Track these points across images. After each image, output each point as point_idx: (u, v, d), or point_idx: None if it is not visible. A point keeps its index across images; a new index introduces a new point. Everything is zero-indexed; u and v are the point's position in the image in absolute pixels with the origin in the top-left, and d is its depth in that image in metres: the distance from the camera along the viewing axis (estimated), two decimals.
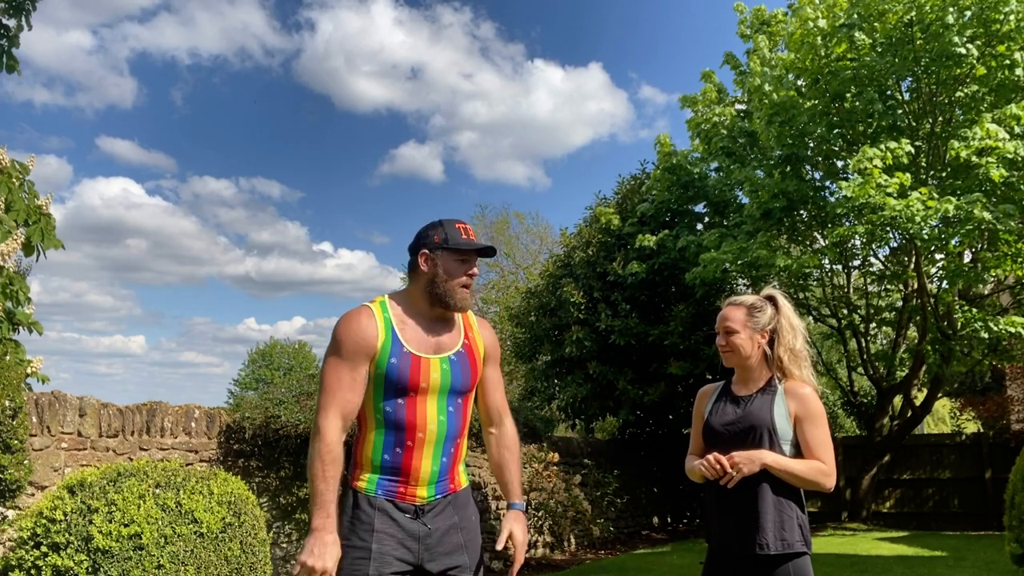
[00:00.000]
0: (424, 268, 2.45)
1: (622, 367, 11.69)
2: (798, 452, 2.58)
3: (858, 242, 11.67)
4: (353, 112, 48.95)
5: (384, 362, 2.37)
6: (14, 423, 4.46)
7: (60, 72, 50.09)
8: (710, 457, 2.56)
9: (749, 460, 2.50)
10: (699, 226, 12.27)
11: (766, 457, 2.51)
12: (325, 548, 2.25)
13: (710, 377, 11.59)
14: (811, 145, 10.84)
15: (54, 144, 47.59)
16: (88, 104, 49.89)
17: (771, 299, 2.71)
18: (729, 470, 2.50)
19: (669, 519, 12.97)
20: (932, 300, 10.72)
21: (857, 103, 9.64)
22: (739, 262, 9.98)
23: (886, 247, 11.94)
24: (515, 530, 2.51)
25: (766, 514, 2.50)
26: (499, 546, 2.47)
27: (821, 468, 2.54)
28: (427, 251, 2.45)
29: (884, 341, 15.21)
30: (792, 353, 2.63)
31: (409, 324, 2.43)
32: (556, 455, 8.90)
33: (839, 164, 10.98)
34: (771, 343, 2.66)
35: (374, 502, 2.38)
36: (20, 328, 5.50)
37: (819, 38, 9.71)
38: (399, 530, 2.38)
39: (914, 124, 10.03)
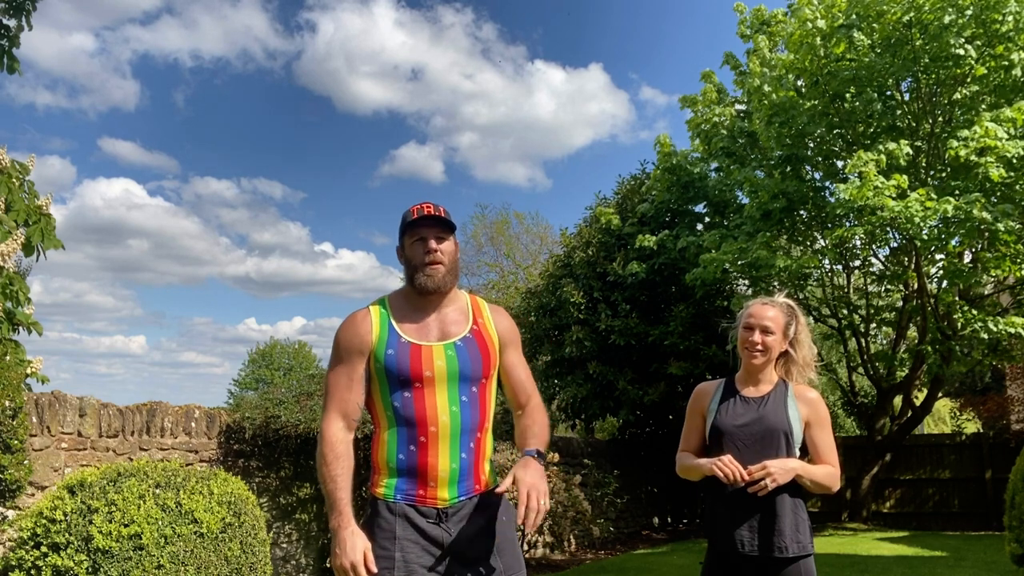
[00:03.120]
0: (401, 261, 2.48)
1: (622, 367, 11.70)
2: (803, 454, 2.62)
3: (858, 242, 11.67)
4: (354, 113, 48.97)
5: (382, 354, 2.35)
6: (14, 423, 4.46)
7: (63, 74, 50.09)
8: (737, 468, 2.49)
9: (783, 470, 2.48)
10: (699, 226, 12.27)
11: (795, 465, 2.52)
12: (346, 544, 2.21)
13: (710, 377, 11.58)
14: (811, 145, 10.85)
15: (57, 145, 47.58)
16: (91, 106, 49.83)
17: (791, 307, 2.74)
18: (764, 480, 2.46)
19: (669, 519, 12.97)
20: (932, 300, 10.72)
21: (856, 103, 9.64)
22: (739, 263, 9.98)
23: (886, 247, 11.95)
24: (519, 474, 2.24)
25: (784, 517, 2.51)
26: (499, 490, 2.27)
27: (835, 473, 2.58)
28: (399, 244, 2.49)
29: (884, 341, 15.21)
30: (804, 361, 2.68)
31: (408, 316, 2.42)
32: (556, 455, 8.90)
33: (839, 164, 10.97)
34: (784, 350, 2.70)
35: (394, 508, 2.31)
36: (20, 328, 5.50)
37: (818, 38, 9.71)
38: (421, 537, 2.29)
39: (914, 124, 10.03)
